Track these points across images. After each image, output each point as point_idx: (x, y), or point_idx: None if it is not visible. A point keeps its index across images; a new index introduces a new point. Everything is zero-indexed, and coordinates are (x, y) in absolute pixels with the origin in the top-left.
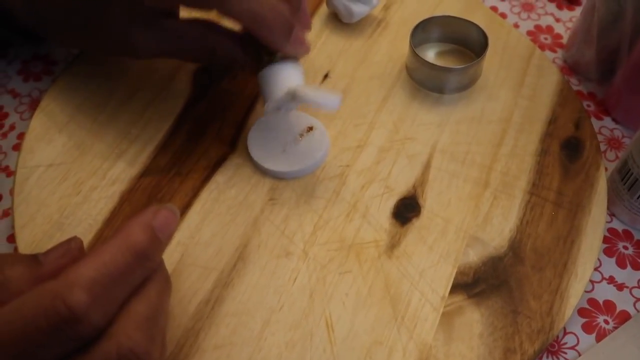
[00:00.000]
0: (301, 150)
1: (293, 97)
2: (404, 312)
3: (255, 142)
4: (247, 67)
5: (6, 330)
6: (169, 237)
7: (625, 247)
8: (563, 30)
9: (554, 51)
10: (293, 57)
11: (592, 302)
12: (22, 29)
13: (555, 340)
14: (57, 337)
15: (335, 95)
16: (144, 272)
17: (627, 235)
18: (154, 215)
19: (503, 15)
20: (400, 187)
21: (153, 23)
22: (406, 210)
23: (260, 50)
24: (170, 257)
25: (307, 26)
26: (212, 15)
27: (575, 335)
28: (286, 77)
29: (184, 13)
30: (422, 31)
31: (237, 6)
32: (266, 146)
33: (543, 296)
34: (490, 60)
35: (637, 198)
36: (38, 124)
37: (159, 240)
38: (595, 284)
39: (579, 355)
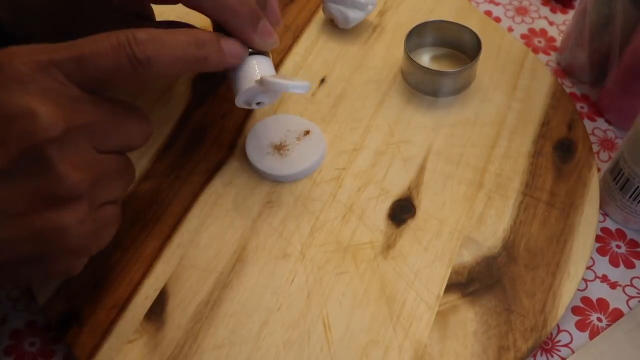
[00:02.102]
0: (298, 153)
1: (262, 87)
2: (399, 311)
3: (253, 147)
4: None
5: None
6: (229, 57)
7: (618, 246)
8: (556, 33)
9: (548, 54)
10: (263, 53)
11: (585, 300)
12: (14, 40)
13: (549, 338)
14: (119, 54)
15: (305, 81)
16: (195, 62)
17: (620, 234)
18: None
19: (497, 19)
20: (396, 189)
21: (127, 24)
22: (401, 211)
23: None
24: (170, 259)
25: (276, 22)
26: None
27: (569, 333)
28: (255, 69)
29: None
30: (417, 36)
31: None
32: (264, 150)
33: (536, 295)
34: (484, 63)
35: (629, 197)
36: None
37: (221, 49)
38: (589, 283)
39: (573, 352)
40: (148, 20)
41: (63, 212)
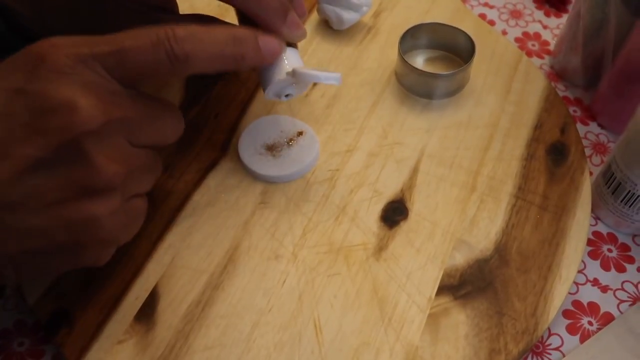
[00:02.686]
0: (291, 154)
1: (294, 79)
2: (391, 313)
3: (246, 147)
4: None
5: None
6: (266, 54)
7: (610, 250)
8: (550, 37)
9: (542, 57)
10: (290, 44)
11: (576, 304)
12: (30, 36)
13: (539, 341)
14: (158, 50)
15: (336, 72)
16: (232, 60)
17: (612, 238)
18: (262, 36)
19: (491, 22)
20: (389, 191)
21: (148, 18)
22: (394, 213)
23: None
24: (161, 259)
25: (302, 14)
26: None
27: (560, 336)
28: (284, 61)
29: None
30: (411, 38)
31: None
32: (257, 151)
33: (528, 298)
34: (478, 66)
35: (621, 201)
36: None
37: (258, 47)
38: (580, 286)
39: (563, 356)
40: (171, 13)
41: (97, 203)
